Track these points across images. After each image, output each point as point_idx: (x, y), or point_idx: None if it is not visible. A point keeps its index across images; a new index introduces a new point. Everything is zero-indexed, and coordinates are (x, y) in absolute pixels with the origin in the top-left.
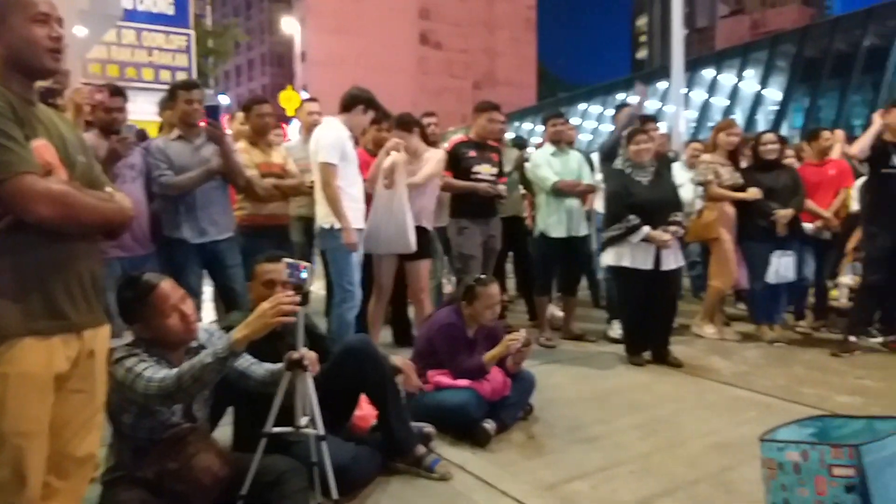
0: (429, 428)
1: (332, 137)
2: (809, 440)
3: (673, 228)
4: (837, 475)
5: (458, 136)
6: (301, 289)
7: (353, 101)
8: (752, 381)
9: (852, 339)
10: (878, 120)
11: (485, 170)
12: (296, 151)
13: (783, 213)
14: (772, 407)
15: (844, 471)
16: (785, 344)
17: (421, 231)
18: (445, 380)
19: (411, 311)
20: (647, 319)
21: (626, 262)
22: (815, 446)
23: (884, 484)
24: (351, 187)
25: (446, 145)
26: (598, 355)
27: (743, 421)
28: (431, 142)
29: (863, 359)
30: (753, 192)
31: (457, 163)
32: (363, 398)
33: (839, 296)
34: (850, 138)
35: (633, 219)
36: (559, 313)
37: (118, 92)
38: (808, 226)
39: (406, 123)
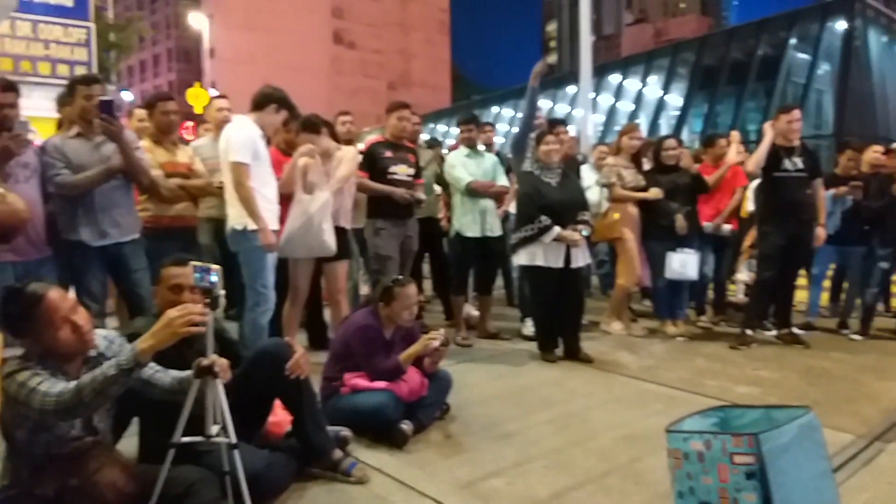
0: (345, 431)
1: (244, 136)
2: (712, 430)
3: (581, 227)
4: (738, 462)
5: (373, 137)
6: (211, 293)
7: (266, 100)
8: (658, 375)
9: (749, 332)
10: (769, 132)
11: (401, 170)
12: (204, 150)
13: (681, 225)
14: (676, 399)
15: (745, 458)
16: (687, 338)
17: (339, 231)
18: (362, 382)
19: (326, 314)
20: (558, 317)
21: (539, 262)
22: (717, 436)
23: (781, 469)
24: (264, 187)
25: (362, 146)
26: (513, 353)
27: (650, 413)
28: (347, 140)
29: (759, 351)
30: (655, 193)
31: (373, 163)
32: (277, 403)
33: (736, 291)
34: (746, 143)
35: (545, 219)
36: (475, 312)
37: (9, 87)
38: (706, 224)
39: (313, 125)
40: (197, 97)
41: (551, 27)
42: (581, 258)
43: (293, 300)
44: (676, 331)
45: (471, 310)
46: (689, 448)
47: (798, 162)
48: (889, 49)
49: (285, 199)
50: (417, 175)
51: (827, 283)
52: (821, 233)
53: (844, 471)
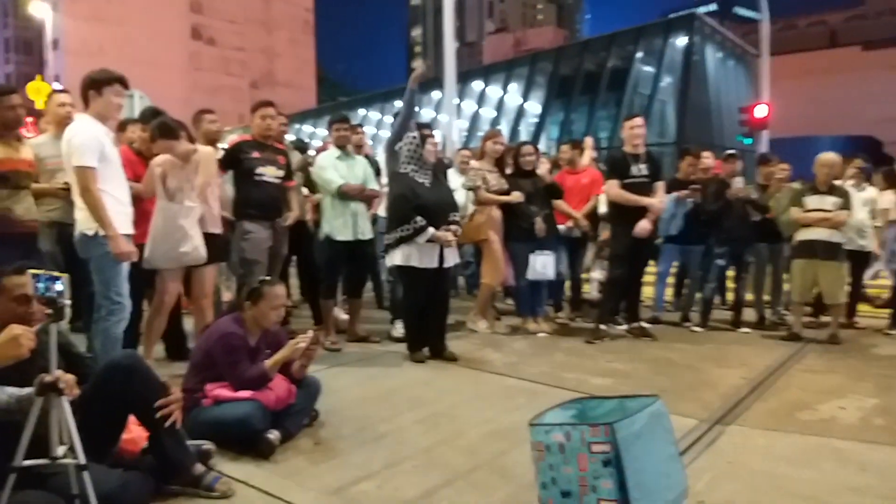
0: (207, 445)
1: (88, 137)
2: (571, 421)
3: (454, 228)
4: (596, 451)
5: (236, 136)
6: (55, 303)
7: (95, 85)
8: (521, 370)
9: (603, 327)
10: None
11: (270, 172)
12: (44, 149)
13: (540, 227)
14: (538, 392)
15: (602, 447)
16: (547, 334)
17: (208, 236)
18: (225, 392)
19: (186, 323)
20: (426, 317)
21: (414, 262)
22: (576, 427)
23: (634, 456)
24: (115, 189)
25: (225, 145)
26: (383, 355)
27: (514, 408)
28: (210, 140)
29: (612, 344)
30: (516, 196)
31: (237, 163)
32: (132, 419)
33: (591, 289)
34: (598, 148)
35: (420, 220)
36: (344, 316)
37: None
38: (561, 227)
39: (170, 131)
40: (38, 91)
41: (416, 32)
42: (452, 258)
43: (158, 309)
44: (537, 327)
45: (340, 313)
46: (550, 440)
47: (643, 168)
48: (723, 64)
49: (139, 202)
50: (288, 177)
51: (671, 280)
52: (645, 224)
53: (690, 453)
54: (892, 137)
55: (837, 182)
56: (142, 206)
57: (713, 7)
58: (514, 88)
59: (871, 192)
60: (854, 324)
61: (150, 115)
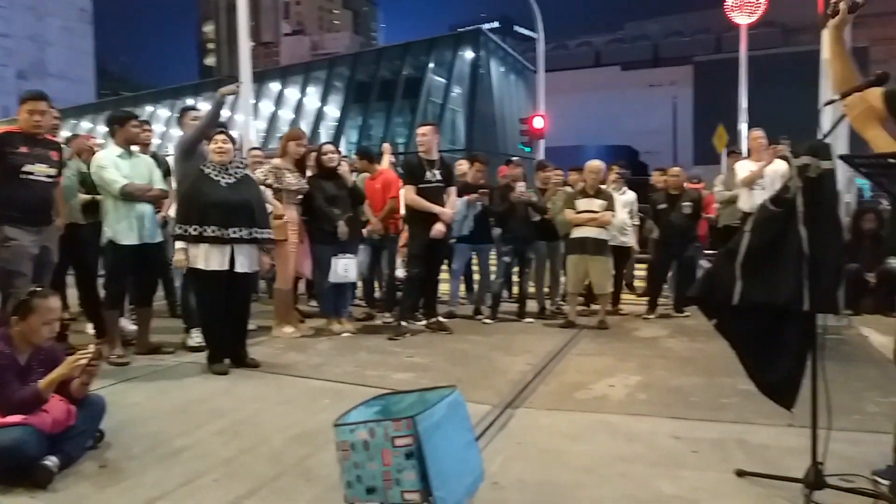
0: None
1: None
2: (375, 418)
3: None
4: (399, 445)
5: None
6: None
7: None
8: (326, 371)
9: (403, 323)
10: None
11: (40, 170)
12: None
13: (342, 231)
14: (343, 392)
15: (404, 440)
16: (351, 334)
17: None
18: None
19: None
20: (225, 323)
21: (200, 265)
22: (379, 423)
23: (435, 445)
24: None
25: None
26: (178, 367)
27: (319, 409)
28: None
29: (413, 340)
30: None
31: (0, 157)
32: None
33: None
34: (396, 154)
35: (192, 230)
36: (132, 327)
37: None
38: (364, 230)
39: None
40: None
41: (208, 28)
42: (247, 263)
43: None
44: (342, 328)
45: (127, 324)
46: (355, 438)
47: (437, 174)
48: (506, 78)
49: None
50: (60, 174)
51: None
52: (440, 227)
53: (485, 438)
54: (646, 147)
55: (603, 186)
56: None
57: (496, 24)
58: (313, 91)
59: (630, 194)
60: (619, 311)
61: None
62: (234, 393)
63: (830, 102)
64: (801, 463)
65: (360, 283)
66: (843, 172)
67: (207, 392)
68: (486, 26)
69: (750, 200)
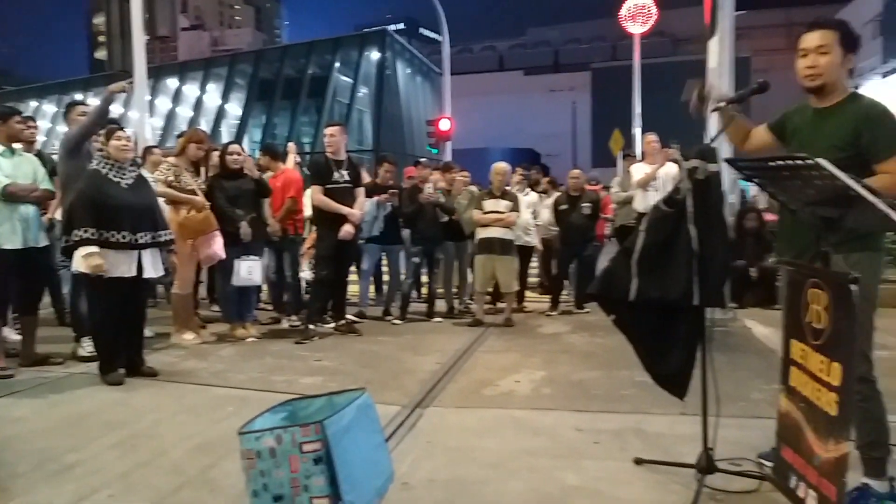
0: None
1: None
2: (282, 424)
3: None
4: (307, 451)
5: None
6: None
7: None
8: (229, 378)
9: (311, 326)
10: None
11: None
12: None
13: (245, 232)
14: (248, 399)
15: (313, 445)
16: (256, 339)
17: None
18: None
19: None
20: (121, 331)
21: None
22: (286, 429)
23: (344, 449)
24: None
25: None
26: (67, 378)
27: (222, 417)
28: None
29: (321, 343)
30: (199, 200)
31: None
32: None
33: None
34: (301, 153)
35: (86, 233)
36: (15, 337)
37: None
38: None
39: None
40: None
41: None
42: (155, 268)
43: None
44: (246, 333)
45: (11, 334)
46: (261, 446)
47: (345, 174)
48: (412, 79)
49: None
50: None
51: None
52: (348, 228)
53: (394, 438)
54: (547, 150)
55: (508, 187)
56: None
57: (402, 26)
58: (213, 88)
59: (533, 196)
60: (523, 308)
61: None
62: (130, 404)
63: (717, 109)
64: (694, 449)
65: (265, 286)
66: (727, 175)
67: (100, 404)
68: (392, 27)
69: (644, 201)
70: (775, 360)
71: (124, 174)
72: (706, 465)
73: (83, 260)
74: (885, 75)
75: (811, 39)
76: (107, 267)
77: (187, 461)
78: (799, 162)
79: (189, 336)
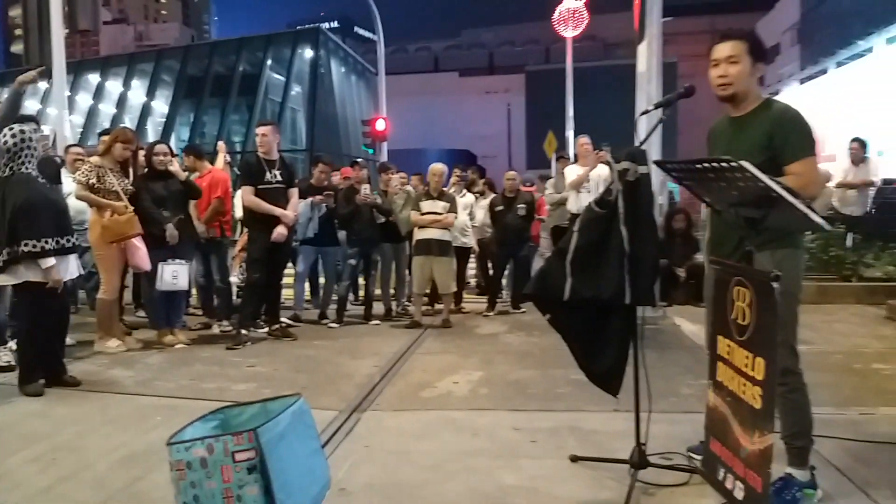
0: None
1: None
2: (213, 433)
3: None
4: (240, 460)
5: None
6: None
7: None
8: (157, 387)
9: (244, 331)
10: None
11: None
12: None
13: (171, 234)
14: (177, 408)
15: (246, 454)
16: (186, 345)
17: None
18: None
19: None
20: (41, 339)
21: (31, 276)
22: (218, 438)
23: (279, 457)
24: None
25: None
26: None
27: (150, 428)
28: None
29: (254, 348)
30: (118, 205)
31: None
32: None
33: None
34: (232, 153)
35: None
36: None
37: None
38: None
39: None
40: None
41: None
42: (78, 270)
43: None
44: (174, 339)
45: None
46: (191, 456)
47: (277, 174)
48: (347, 78)
49: None
50: None
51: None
52: (281, 230)
53: (331, 444)
54: (483, 151)
55: (445, 188)
56: None
57: (336, 24)
58: (138, 85)
59: (469, 197)
60: (461, 309)
61: None
62: (51, 415)
63: (645, 113)
64: (628, 445)
65: (195, 291)
66: (656, 176)
67: (19, 416)
68: (326, 26)
69: (577, 202)
70: (703, 356)
71: (40, 175)
72: (639, 460)
73: (46, 273)
74: (802, 81)
75: (722, 50)
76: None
77: (112, 474)
78: (724, 164)
79: (113, 343)
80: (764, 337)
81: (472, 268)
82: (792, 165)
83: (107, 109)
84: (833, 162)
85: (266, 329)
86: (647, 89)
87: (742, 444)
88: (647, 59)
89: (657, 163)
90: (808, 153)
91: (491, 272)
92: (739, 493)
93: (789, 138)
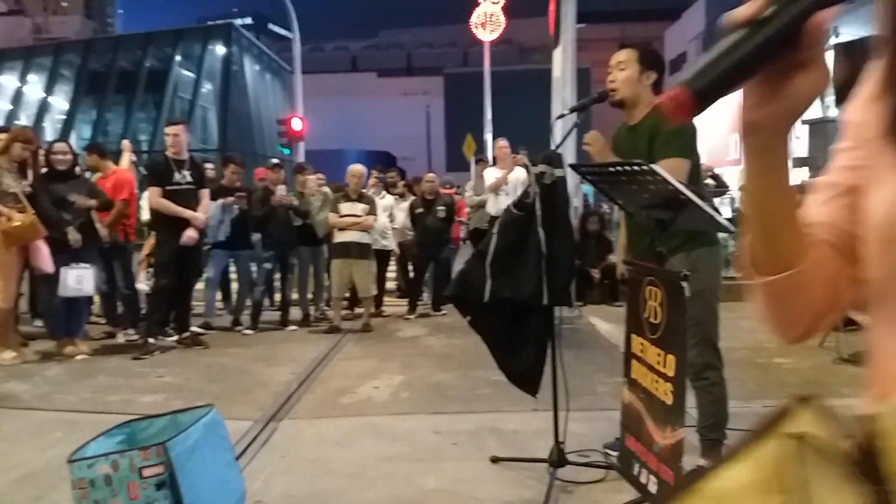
0: None
1: None
2: (118, 449)
3: None
4: (148, 476)
5: None
6: None
7: None
8: (56, 401)
9: (151, 340)
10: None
11: None
12: None
13: (74, 238)
14: (79, 423)
15: (154, 469)
16: (88, 356)
17: None
18: None
19: None
20: None
21: None
22: (124, 454)
23: (190, 471)
24: None
25: None
26: None
27: (49, 445)
28: None
29: (162, 358)
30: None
31: None
32: None
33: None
34: (138, 152)
35: None
36: None
37: None
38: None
39: None
40: None
41: None
42: None
43: None
44: (76, 350)
45: None
46: (95, 474)
47: (187, 175)
48: (261, 76)
49: None
50: None
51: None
52: (191, 233)
53: (247, 455)
54: (403, 153)
55: (364, 190)
56: None
57: (249, 21)
58: (35, 80)
59: (389, 199)
60: (381, 312)
61: None
62: None
63: (561, 117)
64: (547, 444)
65: (97, 298)
66: (572, 179)
67: None
68: (238, 22)
69: (496, 205)
70: (618, 354)
71: None
72: (557, 458)
73: None
74: None
75: (614, 58)
76: None
77: (9, 495)
78: (635, 168)
79: (8, 355)
80: (675, 335)
81: (392, 271)
82: (659, 163)
83: (1, 106)
84: (739, 166)
85: (175, 337)
86: (563, 94)
87: (655, 439)
88: (562, 64)
89: (572, 166)
90: (675, 154)
91: (412, 275)
92: (653, 487)
93: (661, 137)
